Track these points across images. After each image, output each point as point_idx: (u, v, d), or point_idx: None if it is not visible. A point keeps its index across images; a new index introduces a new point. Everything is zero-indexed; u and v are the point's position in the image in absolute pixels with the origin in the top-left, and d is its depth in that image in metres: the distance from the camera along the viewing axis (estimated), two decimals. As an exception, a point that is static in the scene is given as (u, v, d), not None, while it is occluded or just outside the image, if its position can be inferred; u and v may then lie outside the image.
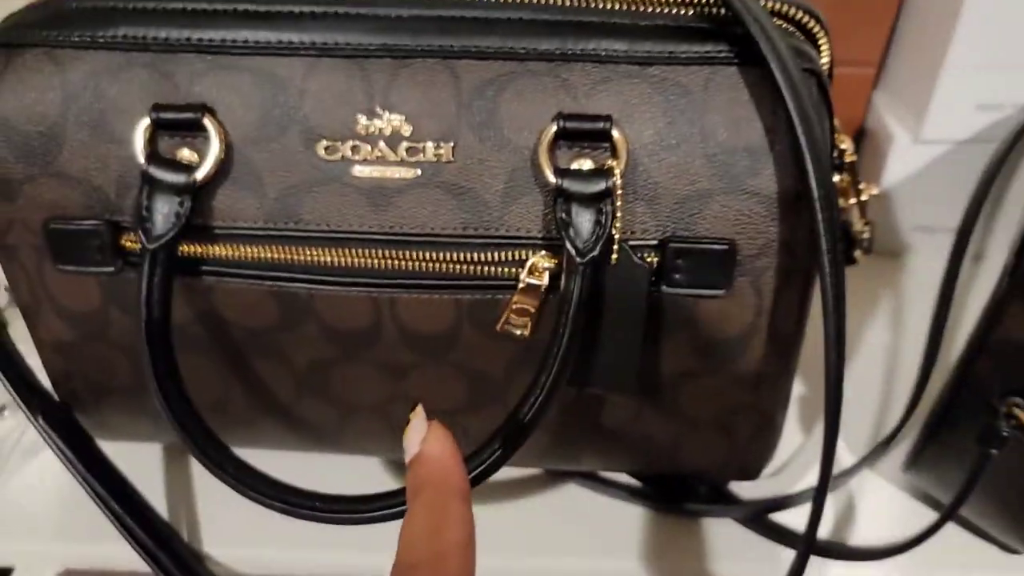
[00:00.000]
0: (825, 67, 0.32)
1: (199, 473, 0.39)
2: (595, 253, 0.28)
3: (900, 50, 0.50)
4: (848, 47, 0.48)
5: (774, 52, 0.27)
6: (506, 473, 0.40)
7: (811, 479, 0.39)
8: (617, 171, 0.28)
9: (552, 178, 0.28)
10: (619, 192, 0.28)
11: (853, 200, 0.35)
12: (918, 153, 0.48)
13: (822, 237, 0.27)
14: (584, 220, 0.28)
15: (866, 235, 0.38)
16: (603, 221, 0.28)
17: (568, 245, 0.28)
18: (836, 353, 0.28)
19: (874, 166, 0.50)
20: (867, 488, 0.39)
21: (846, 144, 0.34)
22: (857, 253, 0.39)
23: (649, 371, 0.32)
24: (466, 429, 0.34)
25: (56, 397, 0.36)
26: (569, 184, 0.28)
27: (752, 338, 0.31)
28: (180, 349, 0.31)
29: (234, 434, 0.35)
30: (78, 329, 0.33)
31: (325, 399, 0.34)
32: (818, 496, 0.30)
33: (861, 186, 0.36)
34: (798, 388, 0.44)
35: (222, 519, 0.38)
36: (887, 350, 0.47)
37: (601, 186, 0.28)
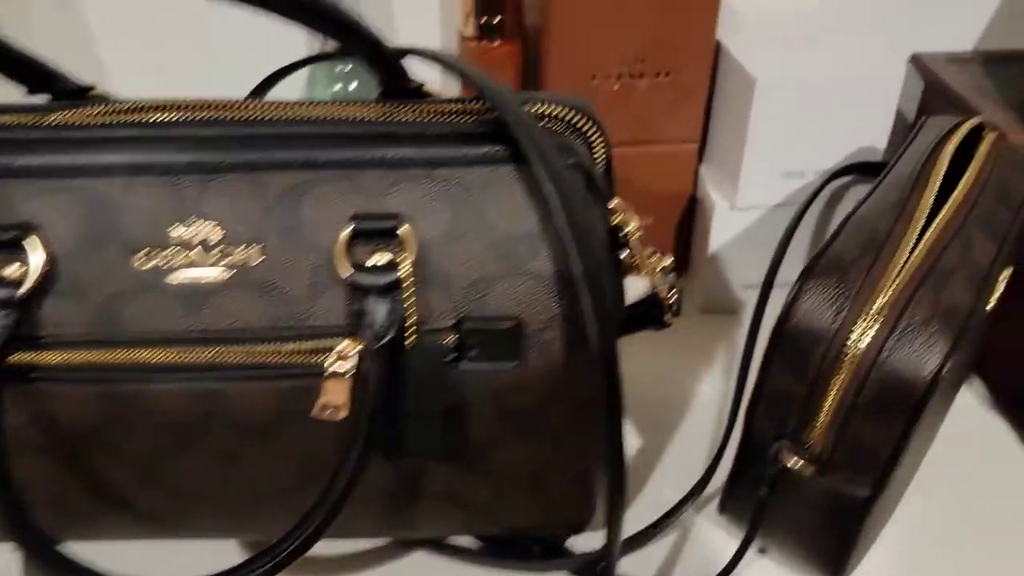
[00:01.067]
0: (603, 158, 0.36)
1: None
2: (388, 338, 0.31)
3: (715, 127, 0.55)
4: (669, 127, 0.54)
5: (537, 152, 0.31)
6: (357, 545, 0.42)
7: (647, 521, 0.42)
8: (405, 264, 0.31)
9: (347, 274, 0.31)
10: (408, 282, 0.31)
11: (647, 272, 0.39)
12: (736, 218, 0.53)
13: (589, 313, 0.31)
14: (379, 309, 0.31)
15: (673, 299, 0.42)
16: (395, 310, 0.31)
17: (363, 333, 0.31)
18: (611, 420, 0.32)
19: (703, 232, 0.55)
20: (694, 529, 0.42)
21: (632, 223, 0.38)
22: (668, 316, 0.43)
23: (461, 439, 0.35)
24: (300, 508, 0.36)
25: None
26: (363, 278, 0.31)
27: (549, 404, 0.35)
28: (16, 452, 0.33)
29: (79, 528, 0.37)
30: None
31: (163, 489, 0.36)
32: (608, 547, 0.33)
33: (654, 258, 0.40)
34: (634, 440, 0.48)
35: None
36: (718, 399, 0.51)
37: (391, 278, 0.31)
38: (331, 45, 0.51)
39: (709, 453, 0.47)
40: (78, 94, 0.36)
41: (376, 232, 0.32)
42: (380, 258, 0.32)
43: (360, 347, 0.32)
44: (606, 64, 0.51)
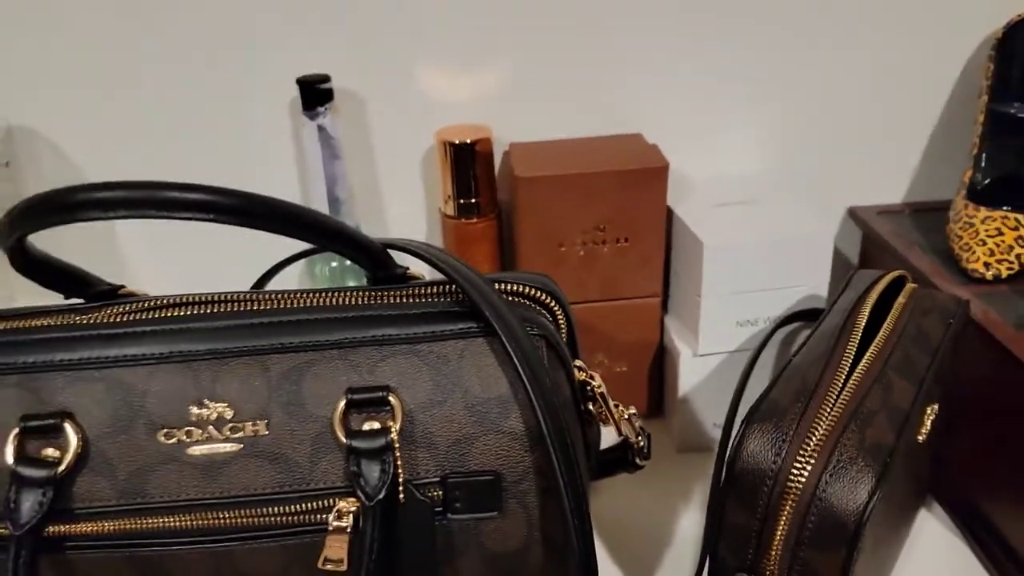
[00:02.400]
0: (562, 326, 0.41)
1: None
2: (382, 496, 0.35)
3: (675, 283, 0.61)
4: (637, 283, 0.60)
5: (502, 325, 0.37)
6: None
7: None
8: (394, 429, 0.36)
9: (344, 439, 0.36)
10: (397, 445, 0.36)
11: (614, 420, 0.44)
12: (699, 364, 0.58)
13: (557, 466, 0.35)
14: (372, 470, 0.36)
15: (642, 443, 0.47)
16: (387, 469, 0.36)
17: (359, 492, 0.35)
18: (582, 562, 0.35)
19: (673, 377, 0.60)
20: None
21: (596, 380, 0.43)
22: (638, 460, 0.47)
23: (452, 586, 0.38)
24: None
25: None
26: (357, 443, 0.36)
27: (530, 548, 0.38)
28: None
29: None
30: (-43, 611, 0.38)
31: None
32: None
33: (619, 408, 0.44)
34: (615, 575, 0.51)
35: None
36: (699, 535, 0.54)
37: (382, 442, 0.36)
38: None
39: (689, 589, 0.50)
40: (109, 294, 0.42)
41: (368, 402, 0.37)
42: (372, 424, 0.37)
43: (357, 505, 0.36)
44: (571, 234, 0.58)
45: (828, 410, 0.38)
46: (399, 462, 0.36)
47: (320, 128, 0.57)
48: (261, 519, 0.37)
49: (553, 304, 0.41)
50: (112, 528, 0.36)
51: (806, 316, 0.55)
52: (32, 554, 0.35)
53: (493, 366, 0.38)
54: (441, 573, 0.38)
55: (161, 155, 0.61)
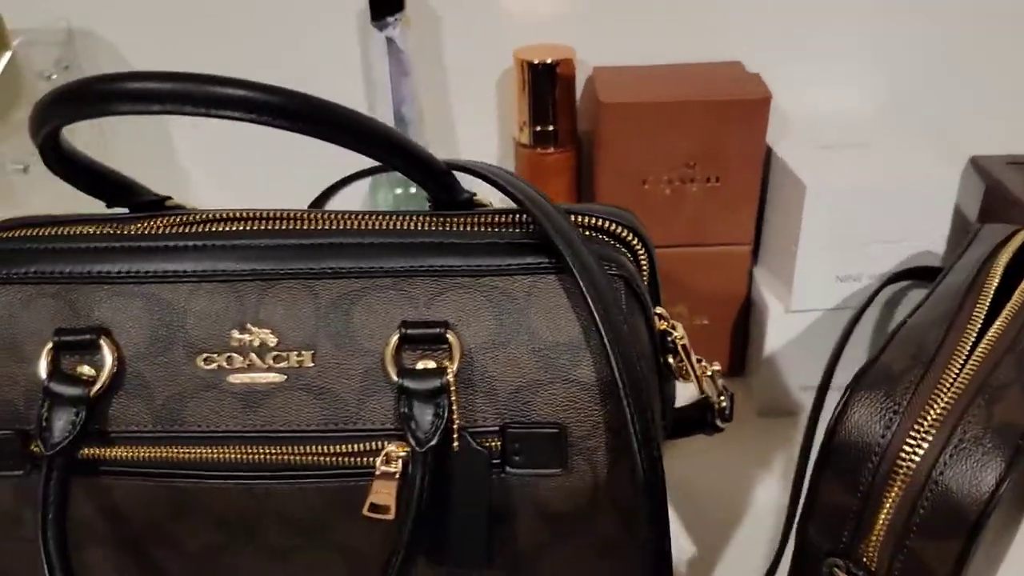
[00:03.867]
0: (644, 267, 0.37)
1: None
2: (434, 442, 0.32)
3: (768, 230, 0.55)
4: (721, 230, 0.54)
5: (578, 263, 0.32)
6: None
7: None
8: (451, 370, 0.32)
9: (395, 378, 0.32)
10: (453, 388, 0.32)
11: (695, 378, 0.39)
12: (791, 321, 0.53)
13: (631, 423, 0.31)
14: (424, 413, 0.32)
15: (724, 404, 0.42)
16: (441, 414, 0.32)
17: (409, 436, 0.32)
18: (654, 530, 0.31)
19: (759, 334, 0.55)
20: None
21: (679, 331, 0.38)
22: (719, 422, 0.43)
23: (506, 544, 0.35)
24: (347, 607, 0.37)
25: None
26: (409, 383, 0.32)
27: (595, 511, 0.35)
28: (84, 543, 0.35)
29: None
30: (-5, 528, 0.37)
31: (219, 584, 0.37)
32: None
33: (702, 363, 0.40)
34: (687, 546, 0.47)
35: None
36: (778, 507, 0.49)
37: (436, 383, 0.32)
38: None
39: (765, 562, 0.46)
40: (155, 205, 0.39)
41: (423, 338, 0.33)
42: (427, 364, 0.33)
43: (407, 450, 0.33)
44: (656, 170, 0.52)
45: (951, 380, 0.33)
46: (455, 407, 0.32)
47: (389, 40, 0.52)
48: (303, 457, 0.34)
49: (635, 242, 0.36)
50: (147, 455, 0.34)
51: (919, 275, 0.49)
52: (64, 476, 0.33)
53: (564, 307, 0.33)
54: (497, 530, 0.35)
55: (223, 62, 0.57)
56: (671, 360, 0.38)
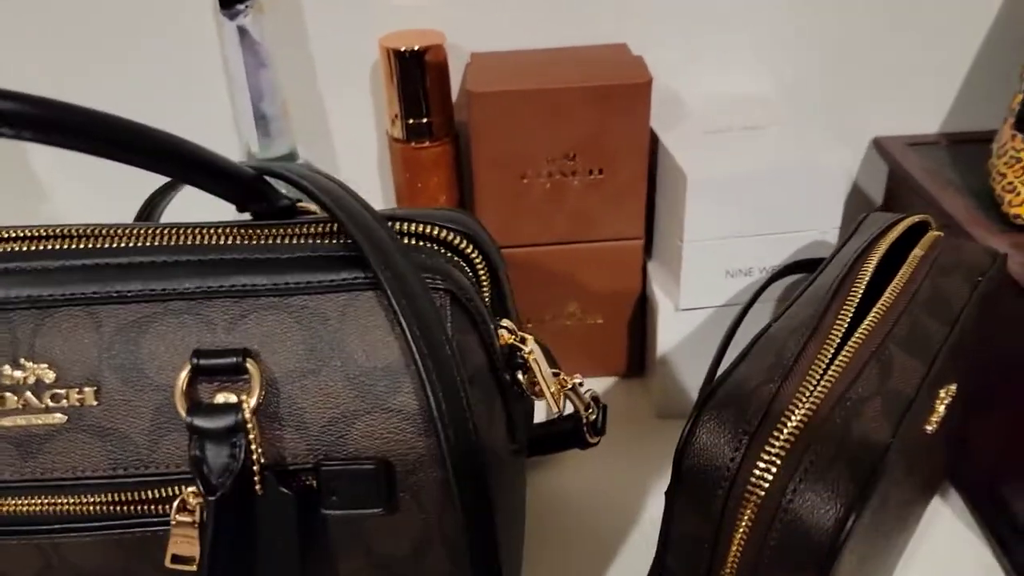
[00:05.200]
0: (485, 279, 0.33)
1: None
2: (227, 487, 0.28)
3: (658, 223, 0.52)
4: (614, 223, 0.51)
5: (389, 275, 0.29)
6: None
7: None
8: (248, 404, 0.29)
9: (185, 416, 0.29)
10: (251, 425, 0.29)
11: (552, 393, 0.36)
12: (681, 320, 0.50)
13: (447, 457, 0.28)
14: (218, 455, 0.28)
15: (593, 417, 0.39)
16: (236, 455, 0.28)
17: (198, 482, 0.28)
18: (482, 572, 0.28)
19: (653, 333, 0.52)
20: None
21: (528, 345, 0.35)
22: (590, 436, 0.39)
23: (332, 591, 0.31)
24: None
25: None
26: (200, 421, 0.29)
27: (429, 551, 0.31)
28: None
29: None
30: None
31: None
32: None
33: (561, 377, 0.36)
34: (568, 566, 0.43)
35: None
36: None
37: (231, 420, 0.28)
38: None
39: None
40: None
41: (219, 369, 0.29)
42: (227, 397, 0.29)
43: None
44: (535, 163, 0.49)
45: (806, 395, 0.30)
46: (255, 445, 0.29)
47: (241, 30, 0.48)
48: (91, 507, 0.30)
49: (471, 250, 0.33)
50: (-84, 510, 0.30)
51: (809, 267, 0.46)
52: None
53: (383, 327, 0.30)
54: (319, 571, 0.31)
55: (67, 69, 0.53)
56: (521, 377, 0.34)
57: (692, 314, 0.49)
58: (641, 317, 0.54)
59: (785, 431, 0.29)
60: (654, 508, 0.47)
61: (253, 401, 0.29)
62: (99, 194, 0.57)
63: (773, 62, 0.55)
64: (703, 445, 0.30)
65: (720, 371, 0.33)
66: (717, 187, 0.46)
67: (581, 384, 0.37)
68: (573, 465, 0.50)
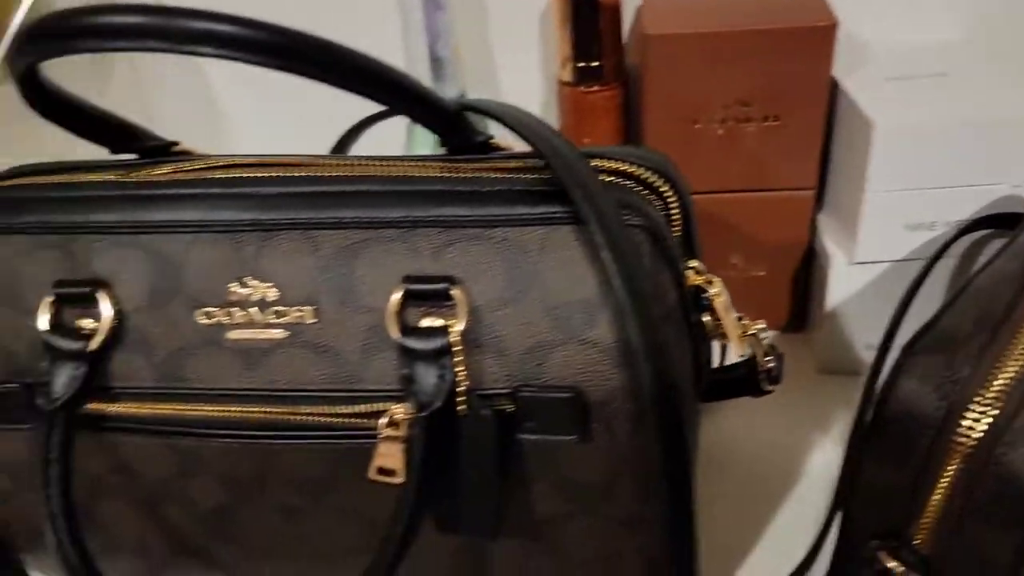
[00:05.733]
0: (677, 219, 0.33)
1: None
2: (437, 406, 0.30)
3: (834, 173, 0.50)
4: (787, 173, 0.50)
5: (593, 211, 0.29)
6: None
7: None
8: (455, 328, 0.30)
9: (397, 337, 0.30)
10: (458, 348, 0.30)
11: (734, 337, 0.36)
12: (855, 274, 0.48)
13: (649, 390, 0.28)
14: (427, 375, 0.30)
15: (770, 365, 0.39)
16: (445, 376, 0.30)
17: (411, 399, 0.30)
18: (676, 503, 0.29)
19: (821, 286, 0.51)
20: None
21: (715, 287, 0.35)
22: (766, 384, 0.39)
23: (521, 514, 0.33)
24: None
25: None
26: (411, 342, 0.30)
27: (617, 481, 0.32)
28: (98, 497, 0.34)
29: (162, 576, 0.37)
30: (12, 479, 0.37)
31: (232, 542, 0.36)
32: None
33: (744, 322, 0.36)
34: (728, 517, 0.44)
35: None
36: (836, 476, 0.46)
37: (440, 343, 0.30)
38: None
39: (813, 537, 0.42)
40: (160, 151, 0.37)
41: (427, 294, 0.31)
42: (432, 321, 0.31)
43: (412, 413, 0.31)
44: (709, 109, 0.48)
45: (1020, 347, 0.28)
46: (460, 368, 0.30)
47: (422, -27, 0.49)
48: (306, 418, 0.32)
49: (666, 189, 0.33)
50: (150, 412, 0.33)
51: (1001, 222, 0.44)
52: (67, 431, 0.33)
53: (580, 261, 0.30)
54: (511, 498, 0.33)
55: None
56: (705, 319, 0.34)
57: (867, 268, 0.48)
58: (806, 271, 0.53)
59: (997, 383, 0.28)
60: (819, 460, 0.47)
61: (460, 326, 0.30)
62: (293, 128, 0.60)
63: (963, 4, 0.52)
64: (906, 394, 0.29)
65: (904, 324, 0.32)
66: (905, 136, 0.44)
67: (764, 330, 0.37)
68: (733, 416, 0.50)
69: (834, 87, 0.48)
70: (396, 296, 0.31)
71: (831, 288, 0.49)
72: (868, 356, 0.51)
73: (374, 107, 0.35)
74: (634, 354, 0.30)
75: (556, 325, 0.30)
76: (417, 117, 0.32)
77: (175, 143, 0.38)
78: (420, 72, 0.52)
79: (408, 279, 0.31)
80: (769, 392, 0.40)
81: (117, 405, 0.33)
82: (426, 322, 0.31)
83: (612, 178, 0.32)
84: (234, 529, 0.36)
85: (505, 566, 0.35)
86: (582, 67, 0.51)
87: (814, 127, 0.48)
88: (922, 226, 0.46)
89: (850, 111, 0.47)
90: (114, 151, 0.37)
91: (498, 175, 0.32)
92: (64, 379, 0.32)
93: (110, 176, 0.34)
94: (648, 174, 0.33)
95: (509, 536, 0.34)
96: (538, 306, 0.30)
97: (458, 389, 0.30)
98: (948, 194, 0.45)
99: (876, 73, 0.48)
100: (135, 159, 0.36)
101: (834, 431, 0.49)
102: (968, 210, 0.46)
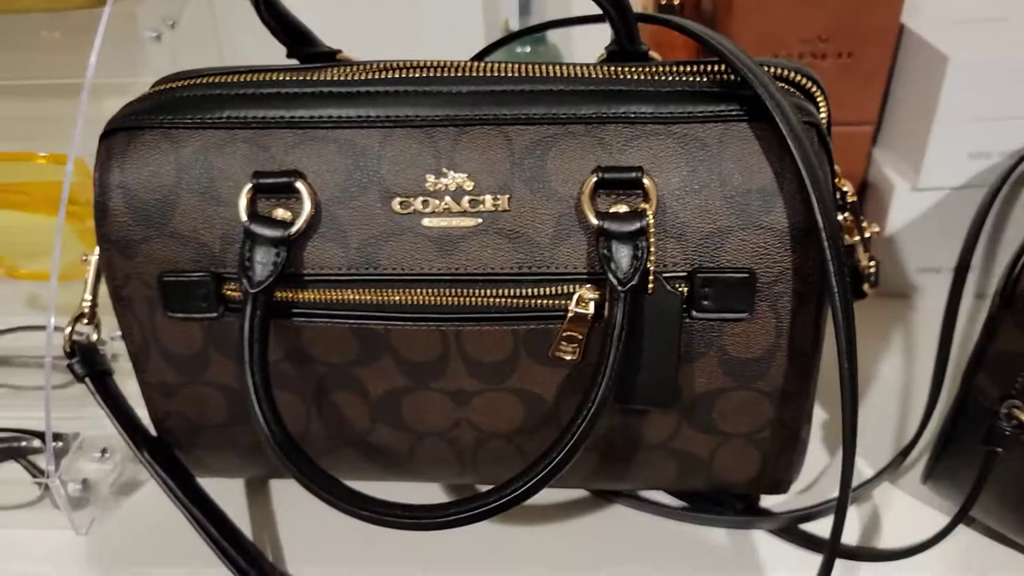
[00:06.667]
0: (823, 121, 0.37)
1: (278, 501, 0.44)
2: (634, 283, 0.33)
3: (895, 108, 0.55)
4: (848, 109, 0.54)
5: (779, 109, 0.32)
6: (557, 495, 0.43)
7: (836, 492, 0.42)
8: (649, 212, 0.33)
9: (594, 220, 0.33)
10: (651, 230, 0.33)
11: (857, 237, 0.40)
12: (917, 200, 0.53)
13: (829, 262, 0.32)
14: (623, 255, 0.33)
15: (872, 269, 0.43)
16: (639, 255, 0.33)
17: (611, 277, 0.33)
18: (849, 362, 0.32)
19: (878, 215, 0.55)
20: (889, 500, 0.42)
21: (847, 187, 0.39)
22: (865, 287, 0.43)
23: (684, 388, 0.36)
24: (522, 449, 0.38)
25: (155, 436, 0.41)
26: (609, 225, 0.33)
27: (774, 357, 0.36)
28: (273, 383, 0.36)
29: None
30: (180, 371, 0.38)
31: (396, 427, 0.39)
32: (840, 503, 0.33)
33: (864, 224, 0.40)
34: (821, 414, 0.48)
35: (301, 541, 0.41)
36: (899, 379, 0.51)
37: (636, 225, 0.33)
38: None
39: (895, 426, 0.47)
40: (327, 57, 0.39)
41: (619, 183, 0.33)
42: (621, 208, 0.34)
43: (598, 293, 0.34)
44: (788, 43, 0.52)
45: None
46: (651, 249, 0.33)
47: (520, -93, 0.51)
48: (496, 299, 0.35)
49: (819, 95, 0.36)
50: (340, 297, 0.35)
51: (1055, 150, 0.49)
52: (265, 315, 0.34)
53: (756, 153, 0.34)
54: (683, 371, 0.36)
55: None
56: (843, 217, 0.38)
57: (929, 195, 0.53)
58: (860, 201, 0.58)
59: None
60: (881, 370, 0.51)
61: (652, 210, 0.33)
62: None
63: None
64: (1043, 270, 0.33)
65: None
66: (973, 70, 0.48)
67: (879, 234, 0.41)
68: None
69: (900, 29, 0.53)
70: (591, 183, 0.33)
71: (891, 214, 0.54)
72: (919, 280, 0.56)
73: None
74: (805, 237, 0.33)
75: (734, 212, 0.34)
76: (612, 17, 0.35)
77: (338, 51, 0.39)
78: (507, 5, 0.55)
79: (600, 169, 0.33)
80: (865, 296, 0.45)
81: (307, 292, 0.35)
82: (615, 209, 0.34)
83: (780, 84, 0.36)
84: (402, 414, 0.38)
85: (659, 436, 0.38)
86: (663, 4, 0.54)
87: (882, 64, 0.52)
88: (982, 155, 0.51)
89: (919, 49, 0.51)
90: (290, 54, 0.38)
91: (673, 77, 0.35)
92: (265, 264, 0.34)
93: (294, 76, 0.36)
94: (807, 81, 0.36)
95: (674, 409, 0.37)
96: (717, 195, 0.34)
97: (648, 268, 0.33)
98: (1007, 125, 0.50)
99: (938, 16, 0.53)
100: (300, 65, 0.38)
101: (892, 344, 0.53)
102: (1020, 140, 0.51)
